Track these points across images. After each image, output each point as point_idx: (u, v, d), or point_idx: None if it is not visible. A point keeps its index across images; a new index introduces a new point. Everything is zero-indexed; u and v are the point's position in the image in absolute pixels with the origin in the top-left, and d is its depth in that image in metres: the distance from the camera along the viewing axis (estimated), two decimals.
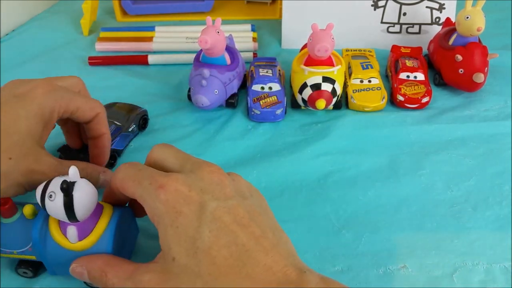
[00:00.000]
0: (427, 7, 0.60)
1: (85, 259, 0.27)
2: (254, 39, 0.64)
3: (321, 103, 0.45)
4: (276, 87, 0.49)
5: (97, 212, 0.29)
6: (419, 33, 0.62)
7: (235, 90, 0.50)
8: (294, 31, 0.62)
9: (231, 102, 0.50)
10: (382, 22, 0.61)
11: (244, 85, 0.53)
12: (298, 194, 0.40)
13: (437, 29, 0.60)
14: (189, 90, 0.49)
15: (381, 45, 0.61)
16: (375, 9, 0.61)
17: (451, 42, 0.52)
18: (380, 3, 0.60)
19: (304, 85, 0.46)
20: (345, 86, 0.51)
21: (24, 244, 0.29)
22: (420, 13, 0.60)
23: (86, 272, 0.27)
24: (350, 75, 0.52)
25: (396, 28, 0.62)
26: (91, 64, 0.60)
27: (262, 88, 0.49)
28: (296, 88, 0.47)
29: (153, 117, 0.50)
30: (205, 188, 0.26)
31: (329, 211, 0.38)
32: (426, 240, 0.35)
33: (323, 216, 0.38)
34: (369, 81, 0.51)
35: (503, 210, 0.38)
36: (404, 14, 0.60)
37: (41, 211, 0.29)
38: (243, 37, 0.63)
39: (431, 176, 0.41)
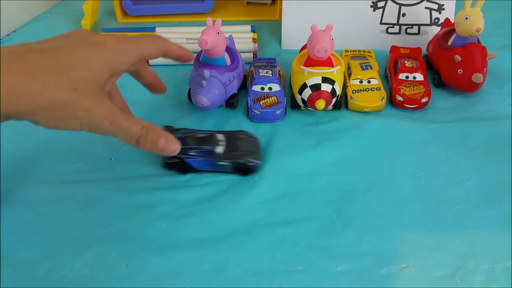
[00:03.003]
0: (426, 8, 0.60)
1: None
2: (254, 40, 0.64)
3: (320, 104, 0.45)
4: (276, 87, 0.49)
5: None
6: (418, 33, 0.62)
7: (235, 91, 0.50)
8: (294, 32, 0.62)
9: (231, 103, 0.50)
10: (381, 23, 0.62)
11: (244, 86, 0.53)
12: (300, 195, 0.40)
13: (436, 29, 0.60)
14: (189, 91, 0.50)
15: (380, 46, 0.62)
16: (374, 10, 0.61)
17: (450, 42, 0.53)
18: (380, 4, 0.60)
19: (304, 86, 0.46)
20: (344, 86, 0.52)
21: None
22: (419, 14, 0.61)
23: None
24: (349, 75, 0.52)
25: (395, 29, 0.62)
26: None
27: (262, 88, 0.49)
28: (295, 89, 0.48)
29: (153, 118, 0.50)
30: None
31: (330, 211, 0.38)
32: (428, 240, 0.36)
33: (325, 216, 0.38)
34: (369, 82, 0.51)
35: (504, 209, 0.38)
36: (403, 15, 0.61)
37: None
38: (243, 38, 0.64)
39: (431, 176, 0.42)
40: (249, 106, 0.48)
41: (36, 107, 0.29)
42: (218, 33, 0.45)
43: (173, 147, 0.34)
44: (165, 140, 0.33)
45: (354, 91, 0.50)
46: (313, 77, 0.46)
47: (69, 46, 0.31)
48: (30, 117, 0.29)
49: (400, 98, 0.50)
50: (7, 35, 0.69)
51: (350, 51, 0.58)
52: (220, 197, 0.40)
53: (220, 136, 0.42)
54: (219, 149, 0.41)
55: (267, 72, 0.50)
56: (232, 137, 0.43)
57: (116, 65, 0.33)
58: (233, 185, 0.41)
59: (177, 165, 0.41)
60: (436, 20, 0.61)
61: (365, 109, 0.50)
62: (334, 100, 0.47)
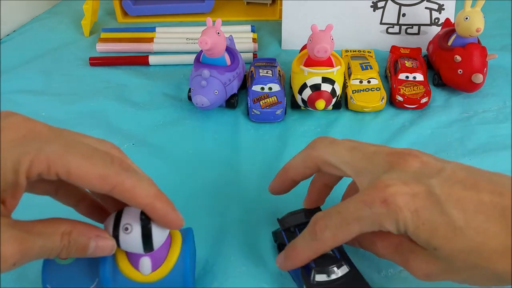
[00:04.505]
0: (426, 8, 0.60)
1: None
2: (254, 40, 0.64)
3: (320, 104, 0.45)
4: (276, 87, 0.49)
5: (167, 239, 0.28)
6: (418, 34, 0.62)
7: (235, 91, 0.50)
8: (294, 32, 0.62)
9: (231, 103, 0.50)
10: (381, 23, 0.62)
11: (244, 86, 0.53)
12: (300, 196, 0.40)
13: (436, 30, 0.60)
14: (189, 91, 0.50)
15: (381, 46, 0.62)
16: (374, 10, 0.61)
17: (450, 42, 0.53)
18: (380, 4, 0.60)
19: (304, 86, 0.46)
20: (344, 86, 0.52)
21: (89, 283, 0.27)
22: (419, 14, 0.61)
23: None
24: (349, 75, 0.52)
25: (396, 29, 0.62)
26: (92, 64, 0.60)
27: (262, 88, 0.49)
28: (295, 89, 0.48)
29: (153, 118, 0.50)
30: (415, 176, 0.25)
31: None
32: None
33: None
34: (369, 82, 0.51)
35: None
36: (404, 15, 0.61)
37: None
38: (243, 38, 0.64)
39: None
40: (249, 106, 0.48)
41: None
42: (218, 33, 0.45)
43: (109, 244, 0.26)
44: (95, 242, 0.25)
45: (354, 91, 0.50)
46: (313, 77, 0.46)
47: None
48: None
49: (400, 98, 0.50)
50: (7, 35, 0.69)
51: (350, 51, 0.58)
52: (221, 199, 0.40)
53: (343, 269, 0.30)
54: (320, 277, 0.29)
55: (267, 72, 0.50)
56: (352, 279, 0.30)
57: (8, 173, 0.22)
58: (233, 186, 0.41)
59: (281, 243, 0.34)
60: (436, 20, 0.61)
61: (365, 109, 0.50)
62: (334, 100, 0.47)
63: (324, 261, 0.29)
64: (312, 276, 0.29)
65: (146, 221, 0.25)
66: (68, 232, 0.24)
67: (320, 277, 0.29)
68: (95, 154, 0.24)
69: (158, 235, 0.26)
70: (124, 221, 0.25)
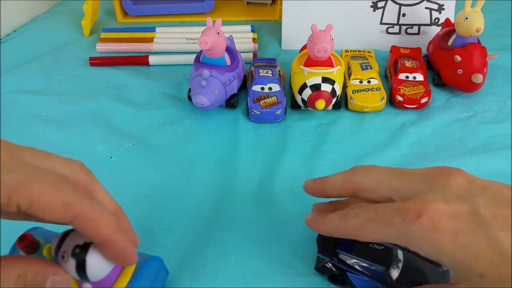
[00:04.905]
0: (426, 8, 0.60)
1: None
2: (254, 40, 0.64)
3: (320, 104, 0.45)
4: (276, 87, 0.49)
5: (117, 269, 0.26)
6: (418, 34, 0.62)
7: (235, 91, 0.50)
8: (294, 32, 0.62)
9: (231, 103, 0.50)
10: (381, 23, 0.62)
11: (244, 86, 0.53)
12: (300, 196, 0.40)
13: (436, 30, 0.60)
14: (189, 91, 0.50)
15: (381, 46, 0.62)
16: (374, 10, 0.61)
17: (450, 42, 0.53)
18: (380, 4, 0.60)
19: (304, 86, 0.46)
20: (344, 86, 0.52)
21: None
22: (419, 14, 0.61)
23: None
24: (349, 75, 0.52)
25: (396, 29, 0.62)
26: (92, 64, 0.60)
27: (262, 88, 0.49)
28: (295, 89, 0.48)
29: (153, 118, 0.50)
30: (459, 193, 0.24)
31: None
32: None
33: None
34: (369, 82, 0.51)
35: None
36: (404, 15, 0.61)
37: None
38: (243, 38, 0.64)
39: None
40: (249, 106, 0.48)
41: None
42: (218, 33, 0.45)
43: (65, 281, 0.24)
44: (51, 281, 0.23)
45: (354, 91, 0.50)
46: (313, 77, 0.46)
47: None
48: None
49: (400, 98, 0.50)
50: (7, 35, 0.69)
51: (350, 51, 0.58)
52: (221, 198, 0.40)
53: (400, 254, 0.31)
54: (394, 273, 0.30)
55: (267, 72, 0.50)
56: (412, 257, 0.31)
57: None
58: (233, 186, 0.41)
59: (333, 274, 0.32)
60: (436, 20, 0.61)
61: (365, 109, 0.50)
62: (334, 100, 0.47)
63: (389, 258, 0.30)
64: (389, 278, 0.29)
65: (79, 256, 0.24)
66: (23, 274, 0.22)
67: (395, 273, 0.29)
68: (58, 181, 0.22)
69: (96, 270, 0.24)
70: (63, 248, 0.24)
